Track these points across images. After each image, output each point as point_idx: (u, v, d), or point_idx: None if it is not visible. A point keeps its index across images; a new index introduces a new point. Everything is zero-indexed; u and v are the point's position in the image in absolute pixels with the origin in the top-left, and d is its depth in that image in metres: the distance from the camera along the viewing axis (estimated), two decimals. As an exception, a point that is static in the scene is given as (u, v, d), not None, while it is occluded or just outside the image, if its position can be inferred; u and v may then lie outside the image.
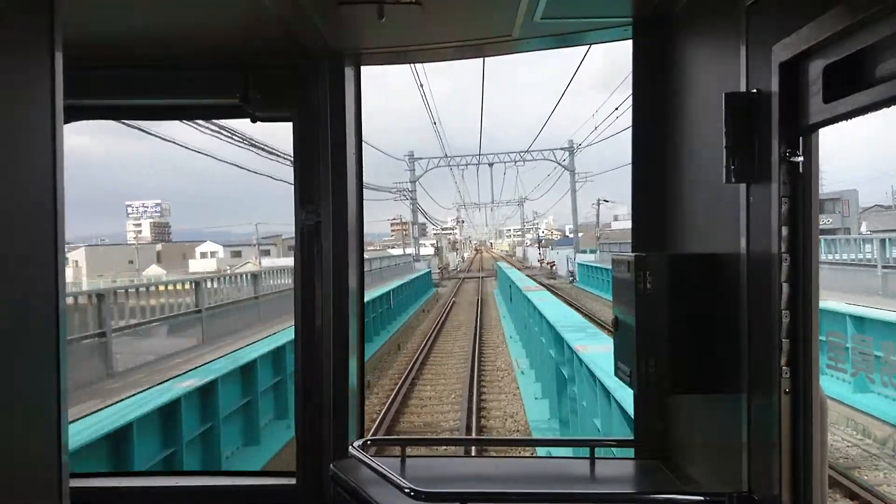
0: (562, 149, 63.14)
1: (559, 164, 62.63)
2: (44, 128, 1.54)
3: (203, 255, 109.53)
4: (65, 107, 1.59)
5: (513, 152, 65.90)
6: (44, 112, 1.54)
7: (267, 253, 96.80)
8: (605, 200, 58.84)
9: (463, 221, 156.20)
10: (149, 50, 3.09)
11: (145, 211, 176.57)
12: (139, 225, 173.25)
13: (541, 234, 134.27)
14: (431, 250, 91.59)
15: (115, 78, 3.15)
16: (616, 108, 36.08)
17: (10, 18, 1.45)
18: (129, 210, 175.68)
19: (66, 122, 1.68)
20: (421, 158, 67.22)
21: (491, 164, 67.36)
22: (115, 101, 3.26)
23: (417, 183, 69.42)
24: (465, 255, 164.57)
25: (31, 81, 1.52)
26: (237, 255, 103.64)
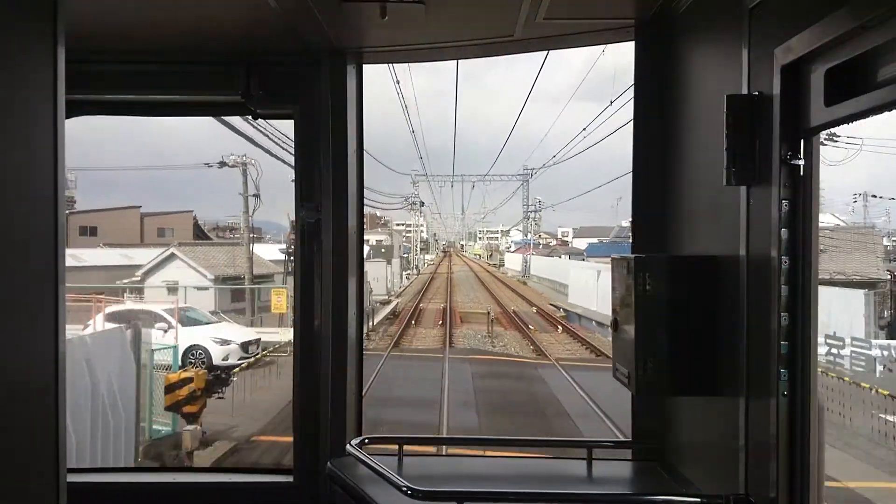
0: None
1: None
2: (45, 122, 1.54)
3: None
4: (66, 102, 1.59)
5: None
6: (45, 107, 1.54)
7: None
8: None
9: (423, 203, 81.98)
10: (151, 45, 3.09)
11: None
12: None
13: (513, 239, 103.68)
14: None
15: (116, 73, 3.16)
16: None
17: (13, 13, 1.45)
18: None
19: (68, 116, 1.68)
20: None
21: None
22: (116, 96, 3.26)
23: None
24: (429, 257, 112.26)
25: (33, 76, 1.52)
26: None
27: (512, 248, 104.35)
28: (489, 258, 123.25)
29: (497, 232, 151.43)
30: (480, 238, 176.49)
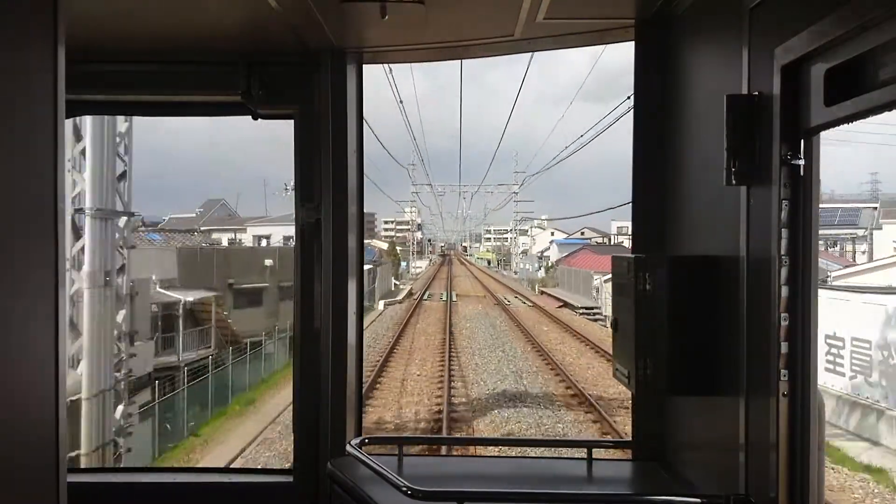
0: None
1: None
2: (45, 122, 1.54)
3: None
4: (66, 102, 1.59)
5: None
6: (46, 106, 1.54)
7: None
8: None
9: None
10: (152, 45, 3.09)
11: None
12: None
13: (555, 240, 73.78)
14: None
15: (116, 73, 3.16)
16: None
17: (14, 13, 1.45)
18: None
19: (68, 116, 1.68)
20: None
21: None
22: (116, 96, 3.26)
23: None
24: (417, 265, 79.62)
25: (33, 76, 1.52)
26: None
27: (552, 253, 70.92)
28: (529, 273, 72.63)
29: (505, 232, 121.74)
30: (488, 239, 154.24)
